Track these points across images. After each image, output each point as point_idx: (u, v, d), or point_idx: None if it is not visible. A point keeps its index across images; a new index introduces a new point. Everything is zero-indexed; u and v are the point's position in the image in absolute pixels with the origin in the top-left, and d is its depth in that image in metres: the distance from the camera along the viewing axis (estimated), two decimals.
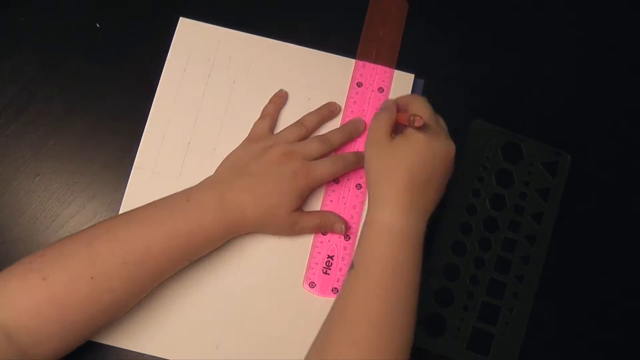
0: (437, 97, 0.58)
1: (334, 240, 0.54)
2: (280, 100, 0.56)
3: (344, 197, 0.55)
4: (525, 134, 0.58)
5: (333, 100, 0.57)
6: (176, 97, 0.57)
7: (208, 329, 0.53)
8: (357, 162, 0.54)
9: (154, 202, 0.49)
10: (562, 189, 0.57)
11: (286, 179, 0.50)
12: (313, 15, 0.60)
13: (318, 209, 0.55)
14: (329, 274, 0.54)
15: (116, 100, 0.57)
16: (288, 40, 0.58)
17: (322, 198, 0.55)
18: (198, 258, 0.50)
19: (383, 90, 0.57)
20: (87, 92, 0.57)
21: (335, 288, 0.53)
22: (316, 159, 0.52)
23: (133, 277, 0.46)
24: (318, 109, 0.56)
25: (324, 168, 0.52)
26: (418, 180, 0.47)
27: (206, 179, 0.52)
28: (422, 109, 0.49)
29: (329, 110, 0.56)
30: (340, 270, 0.54)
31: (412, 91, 0.57)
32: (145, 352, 0.52)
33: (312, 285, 0.53)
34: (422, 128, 0.47)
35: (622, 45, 0.61)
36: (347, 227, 0.54)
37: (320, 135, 0.54)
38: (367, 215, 0.49)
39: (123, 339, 0.52)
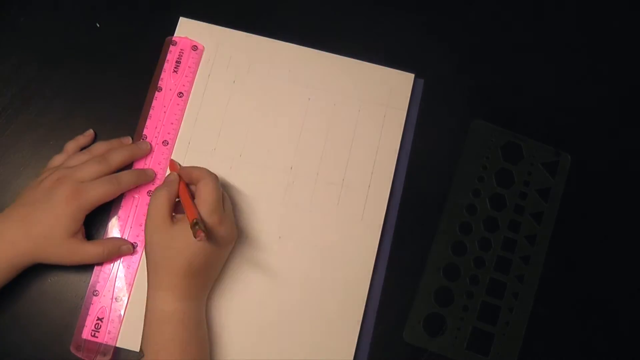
0: (437, 97, 0.58)
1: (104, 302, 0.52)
2: (83, 139, 0.55)
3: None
4: (525, 134, 0.58)
5: (334, 101, 0.57)
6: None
7: (208, 329, 0.52)
8: (137, 181, 0.53)
9: None
10: (562, 189, 0.57)
11: (58, 203, 0.48)
12: (313, 15, 0.60)
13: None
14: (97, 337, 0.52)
15: (116, 100, 0.57)
16: (288, 40, 0.58)
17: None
18: None
19: (182, 95, 0.56)
20: (87, 92, 0.57)
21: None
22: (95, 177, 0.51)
23: None
24: (110, 141, 0.55)
25: (98, 188, 0.50)
26: (196, 269, 0.47)
27: None
28: (208, 193, 0.48)
29: (119, 142, 0.55)
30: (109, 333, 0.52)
31: (412, 91, 0.57)
32: None
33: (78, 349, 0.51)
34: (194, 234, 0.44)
35: (622, 45, 0.61)
36: (134, 246, 0.53)
37: (98, 156, 0.52)
38: (148, 300, 0.48)
39: (124, 339, 0.52)
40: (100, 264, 0.53)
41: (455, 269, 0.55)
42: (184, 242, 0.46)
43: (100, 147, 0.54)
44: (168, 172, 0.54)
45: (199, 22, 0.58)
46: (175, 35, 0.58)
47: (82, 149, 0.55)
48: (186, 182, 0.51)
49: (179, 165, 0.54)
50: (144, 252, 0.51)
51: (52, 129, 0.56)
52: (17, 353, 0.52)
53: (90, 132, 0.55)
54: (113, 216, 0.54)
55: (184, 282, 0.47)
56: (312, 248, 0.54)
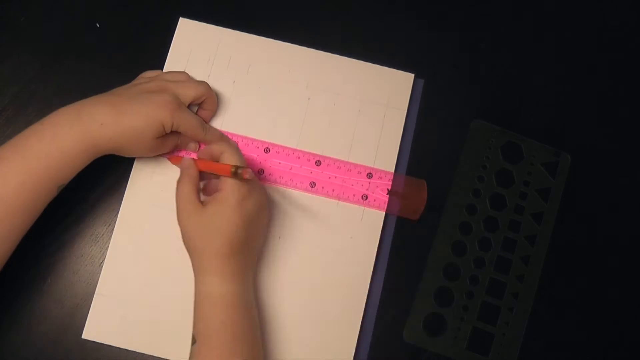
0: (437, 97, 0.58)
1: None
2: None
3: None
4: (525, 134, 0.58)
5: (334, 101, 0.57)
6: None
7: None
8: (221, 138, 0.54)
9: (11, 140, 0.48)
10: (562, 189, 0.57)
11: (152, 105, 0.49)
12: (313, 15, 0.60)
13: None
14: None
15: None
16: (288, 40, 0.58)
17: None
18: (68, 182, 0.48)
19: None
20: (87, 92, 0.57)
21: None
22: (191, 102, 0.52)
23: (1, 216, 0.45)
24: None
25: (192, 116, 0.52)
26: (237, 247, 0.47)
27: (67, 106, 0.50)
28: (234, 159, 0.48)
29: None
30: None
31: (412, 91, 0.57)
32: (146, 352, 0.52)
33: None
34: (241, 178, 0.46)
35: (622, 45, 0.61)
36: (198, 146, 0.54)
37: (199, 81, 0.55)
38: (196, 285, 0.48)
39: (124, 339, 0.52)
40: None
41: (456, 269, 0.55)
42: (220, 222, 0.47)
43: (186, 74, 0.55)
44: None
45: (199, 22, 0.58)
46: (175, 35, 0.58)
47: None
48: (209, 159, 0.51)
49: (198, 147, 0.54)
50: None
51: None
52: (17, 353, 0.52)
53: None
54: None
55: (228, 262, 0.47)
56: (312, 248, 0.54)
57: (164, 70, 0.57)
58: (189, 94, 0.52)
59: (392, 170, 0.56)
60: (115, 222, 0.54)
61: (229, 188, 0.47)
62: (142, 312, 0.53)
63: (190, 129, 0.52)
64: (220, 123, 0.56)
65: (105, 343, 0.52)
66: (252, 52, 0.58)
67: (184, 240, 0.49)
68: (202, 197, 0.50)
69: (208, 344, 0.45)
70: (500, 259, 0.56)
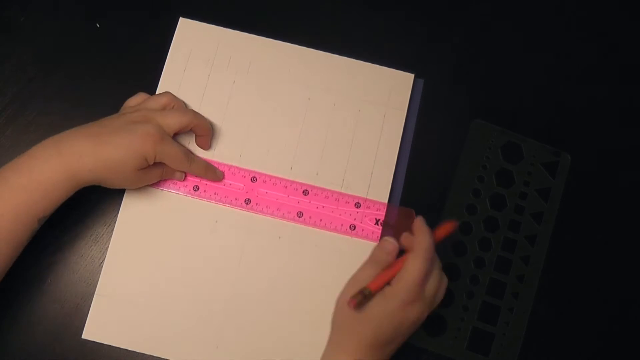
0: (437, 97, 0.58)
1: None
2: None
3: None
4: (525, 134, 0.58)
5: (334, 101, 0.57)
6: None
7: (208, 329, 0.53)
8: (206, 172, 0.54)
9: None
10: (562, 189, 0.57)
11: (134, 137, 0.48)
12: (313, 15, 0.60)
13: None
14: None
15: (116, 101, 0.57)
16: (288, 40, 0.58)
17: None
18: (49, 214, 0.48)
19: None
20: (87, 92, 0.57)
21: None
22: (176, 131, 0.51)
23: None
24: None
25: (176, 147, 0.51)
26: (382, 340, 0.46)
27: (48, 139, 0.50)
28: (411, 271, 0.46)
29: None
30: None
31: (412, 91, 0.57)
32: (145, 352, 0.52)
33: None
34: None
35: (622, 45, 0.61)
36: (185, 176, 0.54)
37: (185, 109, 0.54)
38: (324, 355, 0.48)
39: (124, 339, 0.52)
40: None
41: (456, 268, 0.55)
42: (376, 312, 0.46)
43: (170, 95, 0.54)
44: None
45: (199, 22, 0.58)
46: (175, 35, 0.58)
47: None
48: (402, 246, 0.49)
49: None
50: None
51: (52, 129, 0.56)
52: (17, 353, 0.52)
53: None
54: None
55: (366, 350, 0.46)
56: (312, 248, 0.54)
57: (164, 71, 0.57)
58: (173, 124, 0.51)
59: (392, 170, 0.56)
60: (115, 222, 0.54)
61: (401, 289, 0.45)
62: (142, 312, 0.53)
63: (174, 161, 0.51)
64: (220, 123, 0.56)
65: (105, 343, 0.52)
66: (252, 52, 0.58)
67: (337, 313, 0.48)
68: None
69: None
70: (500, 259, 0.56)
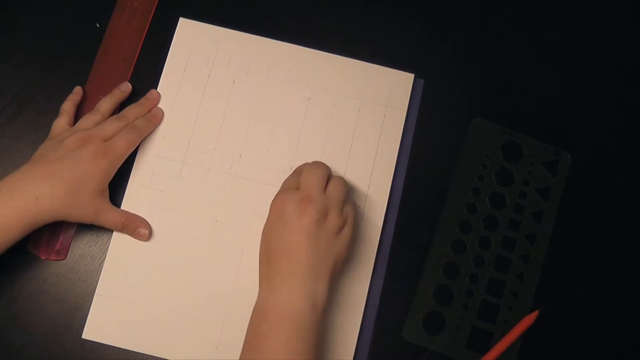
0: (437, 97, 0.58)
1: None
2: (76, 97, 0.56)
3: None
4: (525, 133, 0.58)
5: (334, 101, 0.57)
6: (176, 97, 0.57)
7: (208, 329, 0.52)
8: (149, 126, 0.55)
9: None
10: (562, 188, 0.57)
11: (86, 162, 0.49)
12: (313, 15, 0.60)
13: None
14: None
15: None
16: (288, 40, 0.58)
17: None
18: (3, 252, 0.48)
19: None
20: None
21: None
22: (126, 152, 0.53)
23: None
24: (112, 92, 0.56)
25: (121, 142, 0.52)
26: (272, 248, 0.48)
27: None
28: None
29: (121, 91, 0.56)
30: None
31: (412, 91, 0.58)
32: (145, 352, 0.52)
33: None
34: None
35: (621, 44, 0.61)
36: (150, 234, 0.54)
37: (116, 115, 0.54)
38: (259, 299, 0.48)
39: (124, 339, 0.52)
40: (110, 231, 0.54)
41: (455, 267, 0.55)
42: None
43: (105, 103, 0.55)
44: None
45: (199, 22, 0.58)
46: (175, 35, 0.58)
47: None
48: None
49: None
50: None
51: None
52: (17, 353, 0.52)
53: (78, 89, 0.56)
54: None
55: (263, 266, 0.48)
56: None
57: (164, 71, 0.57)
58: (110, 132, 0.52)
59: (392, 170, 0.56)
60: None
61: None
62: (142, 312, 0.53)
63: (130, 148, 0.53)
64: (220, 123, 0.56)
65: (105, 343, 0.52)
66: (252, 52, 0.58)
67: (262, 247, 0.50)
68: None
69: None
70: (499, 258, 0.56)
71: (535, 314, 0.54)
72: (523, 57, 0.60)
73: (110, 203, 0.52)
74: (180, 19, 0.58)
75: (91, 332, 0.52)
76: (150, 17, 0.58)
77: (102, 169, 0.50)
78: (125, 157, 0.53)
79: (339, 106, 0.57)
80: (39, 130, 0.56)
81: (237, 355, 0.52)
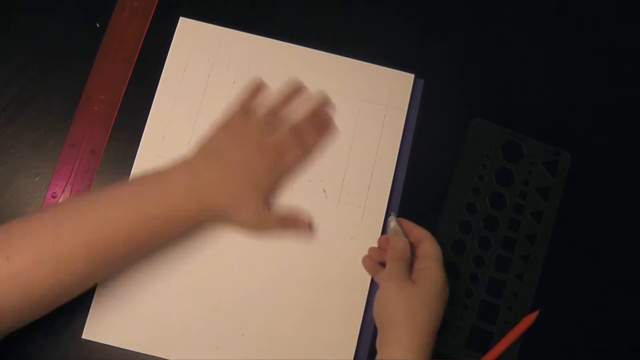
0: (437, 97, 0.58)
1: None
2: (256, 89, 0.56)
3: None
4: (525, 133, 0.58)
5: (334, 101, 0.57)
6: (176, 97, 0.57)
7: (208, 329, 0.52)
8: (320, 142, 0.55)
9: (126, 182, 0.48)
10: (562, 188, 0.57)
11: (259, 174, 0.51)
12: (313, 15, 0.60)
13: None
14: None
15: None
16: (288, 40, 0.58)
17: None
18: (165, 244, 0.50)
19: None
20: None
21: None
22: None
23: (98, 261, 0.45)
24: (283, 90, 0.56)
25: (292, 169, 0.54)
26: (435, 323, 0.47)
27: (179, 161, 0.51)
28: (437, 250, 0.50)
29: (293, 89, 0.56)
30: None
31: (412, 91, 0.58)
32: (145, 352, 0.52)
33: None
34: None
35: (621, 45, 0.61)
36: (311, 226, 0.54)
37: (297, 133, 0.54)
38: (381, 356, 0.48)
39: (124, 339, 0.52)
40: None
41: (455, 267, 0.55)
42: (429, 299, 0.47)
43: (279, 101, 0.56)
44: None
45: (199, 22, 0.58)
46: (175, 35, 0.58)
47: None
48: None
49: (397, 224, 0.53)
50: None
51: (52, 129, 0.56)
52: (17, 353, 0.52)
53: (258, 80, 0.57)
54: None
55: (426, 340, 0.47)
56: (312, 248, 0.54)
57: (164, 71, 0.57)
58: (287, 146, 0.54)
59: (393, 170, 0.56)
60: None
61: (438, 269, 0.49)
62: (142, 312, 0.53)
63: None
64: None
65: (105, 343, 0.52)
66: (252, 52, 0.58)
67: (381, 312, 0.49)
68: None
69: None
70: (499, 258, 0.56)
71: (535, 314, 0.54)
72: (523, 57, 0.60)
73: (272, 214, 0.53)
74: (180, 18, 0.58)
75: (91, 332, 0.52)
76: (150, 17, 0.58)
77: (269, 185, 0.53)
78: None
79: (339, 106, 0.57)
80: (39, 131, 0.56)
81: (237, 355, 0.52)
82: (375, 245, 0.54)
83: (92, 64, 0.58)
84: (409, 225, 0.52)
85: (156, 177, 0.49)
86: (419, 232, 0.51)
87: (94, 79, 0.57)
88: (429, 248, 0.50)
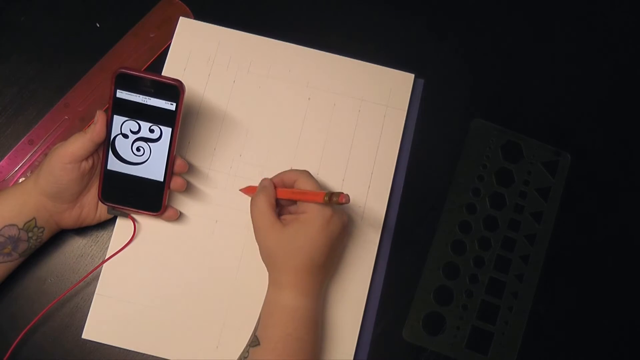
0: (437, 97, 0.58)
1: None
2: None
3: None
4: (525, 133, 0.58)
5: (334, 101, 0.57)
6: None
7: (208, 329, 0.53)
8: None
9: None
10: (562, 188, 0.57)
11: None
12: (313, 15, 0.60)
13: None
14: None
15: None
16: (288, 40, 0.58)
17: None
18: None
19: None
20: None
21: None
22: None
23: None
24: None
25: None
26: (318, 263, 0.48)
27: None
28: (312, 186, 0.50)
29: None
30: None
31: (412, 91, 0.58)
32: (146, 352, 0.52)
33: None
34: (337, 203, 0.46)
35: (621, 45, 0.61)
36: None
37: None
38: (268, 294, 0.50)
39: (124, 339, 0.52)
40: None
41: (455, 268, 0.55)
42: (304, 241, 0.48)
43: None
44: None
45: (199, 22, 0.58)
46: (175, 35, 0.58)
47: None
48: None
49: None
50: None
51: None
52: (18, 353, 0.52)
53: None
54: None
55: (306, 278, 0.49)
56: None
57: (164, 71, 0.57)
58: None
59: (392, 170, 0.56)
60: (115, 222, 0.54)
61: (316, 211, 0.48)
62: (142, 312, 0.53)
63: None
64: (220, 123, 0.56)
65: (105, 343, 0.52)
66: (252, 52, 0.58)
67: (262, 255, 0.50)
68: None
69: (274, 350, 0.47)
70: (499, 258, 0.56)
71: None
72: (523, 56, 0.60)
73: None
74: (180, 18, 0.58)
75: (91, 332, 0.52)
76: (158, 54, 0.58)
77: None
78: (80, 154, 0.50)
79: (339, 106, 0.57)
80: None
81: (237, 355, 0.52)
82: None
83: (92, 64, 0.57)
84: (280, 176, 0.52)
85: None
86: (290, 174, 0.52)
87: (79, 90, 0.57)
88: (303, 185, 0.50)
